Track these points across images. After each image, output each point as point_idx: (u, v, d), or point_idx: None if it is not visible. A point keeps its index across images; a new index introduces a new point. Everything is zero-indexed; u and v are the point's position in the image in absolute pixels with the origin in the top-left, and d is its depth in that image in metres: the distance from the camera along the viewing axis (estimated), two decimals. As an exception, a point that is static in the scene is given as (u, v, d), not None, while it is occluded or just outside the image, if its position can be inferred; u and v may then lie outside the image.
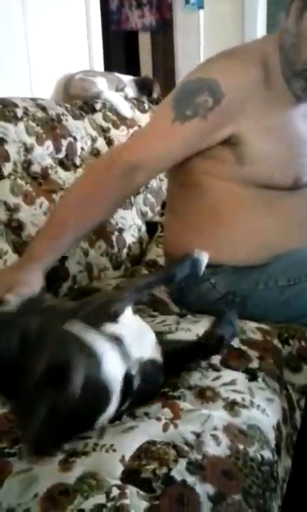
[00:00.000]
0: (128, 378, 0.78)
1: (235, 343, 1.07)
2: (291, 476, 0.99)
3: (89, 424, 0.77)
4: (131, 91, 2.19)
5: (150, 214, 1.90)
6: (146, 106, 2.21)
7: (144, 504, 0.67)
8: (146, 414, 0.84)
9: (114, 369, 0.76)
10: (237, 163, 1.19)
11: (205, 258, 1.10)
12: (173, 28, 3.23)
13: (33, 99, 1.63)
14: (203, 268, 1.10)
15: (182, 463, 0.73)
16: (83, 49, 2.19)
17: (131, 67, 3.46)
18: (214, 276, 1.28)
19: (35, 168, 1.49)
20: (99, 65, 2.28)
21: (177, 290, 1.34)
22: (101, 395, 0.75)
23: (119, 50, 3.81)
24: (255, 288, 1.25)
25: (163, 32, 3.37)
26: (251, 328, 1.16)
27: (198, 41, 3.09)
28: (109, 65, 2.41)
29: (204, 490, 0.70)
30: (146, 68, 3.51)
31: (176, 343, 1.01)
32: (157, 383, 0.89)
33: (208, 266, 1.27)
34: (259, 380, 0.98)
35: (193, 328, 1.14)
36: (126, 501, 0.67)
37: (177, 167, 1.23)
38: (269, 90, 1.16)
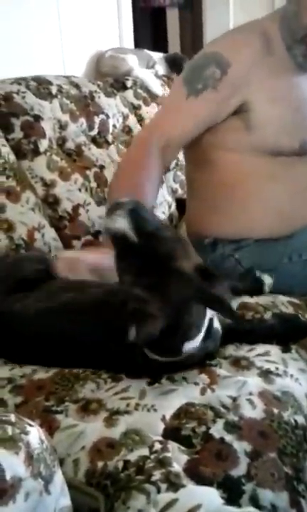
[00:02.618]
0: (210, 322, 0.87)
1: (268, 316, 1.10)
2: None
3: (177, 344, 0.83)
4: (161, 68, 2.19)
5: (180, 191, 1.91)
6: (176, 83, 2.22)
7: (185, 458, 0.71)
8: (184, 378, 0.88)
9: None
10: (246, 131, 1.23)
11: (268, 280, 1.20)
12: (201, 3, 3.19)
13: (67, 77, 1.65)
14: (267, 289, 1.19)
15: (220, 423, 0.77)
16: (113, 26, 2.19)
17: (159, 44, 3.43)
18: (238, 252, 1.31)
19: (70, 144, 1.51)
20: (129, 42, 2.28)
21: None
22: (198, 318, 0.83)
23: (146, 27, 3.78)
24: (279, 262, 1.27)
25: (191, 8, 3.33)
26: (283, 302, 1.19)
27: (228, 17, 3.04)
28: (137, 42, 2.40)
29: (241, 447, 0.74)
30: (174, 45, 3.48)
31: None
32: (217, 346, 0.95)
33: (231, 241, 1.32)
34: (292, 351, 1.01)
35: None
36: (168, 454, 0.71)
37: (188, 144, 1.29)
38: (271, 58, 1.21)
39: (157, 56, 2.20)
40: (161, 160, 1.22)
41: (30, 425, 0.57)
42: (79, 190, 1.44)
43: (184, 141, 1.27)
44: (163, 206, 1.76)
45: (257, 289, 1.21)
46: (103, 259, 1.03)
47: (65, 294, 0.96)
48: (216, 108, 1.22)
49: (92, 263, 1.04)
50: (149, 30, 3.83)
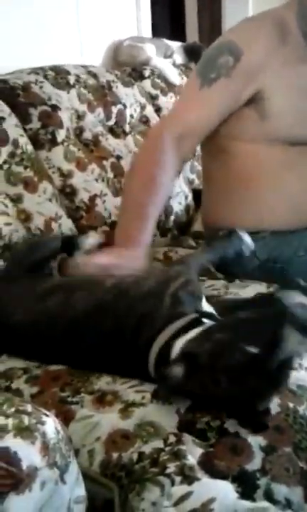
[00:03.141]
0: None
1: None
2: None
3: None
4: (179, 57, 2.17)
5: (196, 182, 1.90)
6: (194, 73, 2.20)
7: (200, 451, 0.71)
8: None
9: None
10: (260, 120, 1.21)
11: (247, 238, 1.13)
12: (220, -10, 3.15)
13: (84, 67, 1.64)
14: (249, 248, 1.13)
15: (235, 417, 0.77)
16: (131, 15, 2.17)
17: (177, 33, 3.40)
18: (254, 244, 1.30)
19: (87, 135, 1.51)
20: (147, 31, 2.26)
21: (219, 258, 1.36)
22: None
23: (165, 16, 3.75)
24: (295, 255, 1.26)
25: (210, -5, 3.29)
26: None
27: (247, 5, 3.00)
28: (155, 31, 2.38)
29: (256, 441, 0.73)
30: (192, 34, 3.44)
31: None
32: None
33: (247, 233, 1.30)
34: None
35: (242, 293, 1.16)
36: (183, 447, 0.71)
37: None
38: (287, 46, 1.19)
39: (175, 45, 2.18)
40: (176, 151, 1.19)
41: (46, 415, 0.58)
42: (96, 180, 1.43)
43: (201, 132, 1.25)
44: (179, 197, 1.75)
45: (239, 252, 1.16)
46: (117, 259, 1.03)
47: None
48: (231, 96, 1.20)
49: (104, 264, 1.02)
50: (167, 19, 3.80)
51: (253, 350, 0.69)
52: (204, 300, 0.90)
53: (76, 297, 0.92)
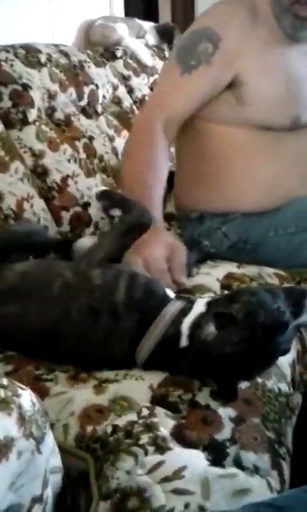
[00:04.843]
0: None
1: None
2: (301, 411, 1.05)
3: None
4: (151, 38, 2.16)
5: (170, 164, 1.90)
6: (167, 53, 2.18)
7: (172, 422, 0.74)
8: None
9: None
10: (238, 105, 1.24)
11: None
12: (193, -29, 3.11)
13: (56, 45, 1.62)
14: None
15: (206, 390, 0.80)
16: (103, -6, 2.15)
17: (150, 13, 3.36)
18: (225, 225, 1.33)
19: (59, 115, 1.50)
20: (119, 10, 2.23)
21: (191, 241, 1.38)
22: None
23: (137, -4, 3.69)
24: (265, 235, 1.29)
25: (183, -24, 3.24)
26: (269, 274, 1.21)
27: (219, -14, 2.98)
28: (127, 11, 2.35)
29: (226, 413, 0.76)
30: (165, 15, 3.40)
31: None
32: None
33: (218, 215, 1.33)
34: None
35: (213, 273, 1.19)
36: (156, 419, 0.73)
37: None
38: (261, 31, 1.21)
39: (148, 26, 2.17)
40: (165, 135, 1.22)
41: (22, 388, 0.59)
42: (68, 161, 1.42)
43: (183, 117, 1.27)
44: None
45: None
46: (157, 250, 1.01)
47: None
48: (211, 82, 1.22)
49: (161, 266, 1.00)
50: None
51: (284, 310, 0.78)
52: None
53: (32, 309, 0.87)
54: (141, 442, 0.69)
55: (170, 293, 0.90)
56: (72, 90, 1.55)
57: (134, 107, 1.84)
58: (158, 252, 1.01)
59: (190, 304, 0.85)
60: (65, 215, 1.36)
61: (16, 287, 0.90)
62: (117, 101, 1.78)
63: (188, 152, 1.37)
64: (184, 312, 0.83)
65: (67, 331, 0.84)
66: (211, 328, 0.77)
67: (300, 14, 1.19)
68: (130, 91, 1.86)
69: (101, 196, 1.05)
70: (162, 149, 1.21)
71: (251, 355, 0.76)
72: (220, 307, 0.80)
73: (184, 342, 0.80)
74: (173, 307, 0.84)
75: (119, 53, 1.91)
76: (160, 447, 0.69)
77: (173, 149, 1.71)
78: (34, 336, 0.87)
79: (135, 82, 1.91)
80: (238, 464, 0.69)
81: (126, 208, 0.97)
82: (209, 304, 0.83)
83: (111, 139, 1.64)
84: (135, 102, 1.87)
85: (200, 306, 0.83)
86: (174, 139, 1.30)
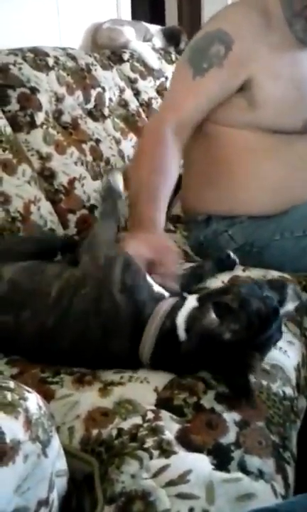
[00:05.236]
0: None
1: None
2: (305, 415, 1.05)
3: None
4: (158, 41, 2.17)
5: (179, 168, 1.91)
6: (173, 57, 2.19)
7: (177, 426, 0.74)
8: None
9: None
10: (249, 108, 1.23)
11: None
12: (200, -26, 3.12)
13: (63, 49, 1.63)
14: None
15: (211, 394, 0.80)
16: (111, -3, 2.16)
17: (156, 16, 3.37)
18: (232, 228, 1.33)
19: (66, 118, 1.51)
20: (126, 14, 2.24)
21: (197, 243, 1.39)
22: None
23: (144, -2, 3.71)
24: (271, 239, 1.29)
25: (190, -21, 3.26)
26: (274, 277, 1.21)
27: (226, -11, 2.99)
28: (134, 14, 2.36)
29: (231, 417, 0.76)
30: (172, 18, 3.42)
31: None
32: None
33: (225, 217, 1.33)
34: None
35: (219, 276, 1.19)
36: (161, 423, 0.73)
37: None
38: (273, 34, 1.21)
39: (154, 29, 2.18)
40: (176, 139, 1.20)
41: (29, 391, 0.59)
42: (75, 163, 1.43)
43: (195, 120, 1.26)
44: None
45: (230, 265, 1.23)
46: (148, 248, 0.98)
47: None
48: (223, 85, 1.22)
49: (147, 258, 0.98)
50: (147, 2, 3.76)
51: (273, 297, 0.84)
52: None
53: (24, 317, 0.88)
54: (145, 446, 0.70)
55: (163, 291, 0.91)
56: (79, 93, 1.56)
57: (141, 110, 1.85)
58: (142, 250, 0.97)
59: (183, 299, 0.87)
60: (72, 218, 1.37)
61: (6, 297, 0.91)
62: (124, 104, 1.78)
63: (196, 154, 1.36)
64: (177, 307, 0.85)
65: (66, 330, 0.85)
66: (212, 316, 0.79)
67: None
68: (137, 94, 1.87)
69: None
70: (171, 153, 1.19)
71: (250, 343, 0.79)
72: (213, 299, 0.82)
73: (182, 335, 0.81)
74: (166, 303, 0.85)
75: (125, 56, 1.91)
76: (165, 451, 0.69)
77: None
78: (32, 339, 0.88)
79: (141, 85, 1.92)
80: (243, 468, 0.70)
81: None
82: (200, 299, 0.86)
83: (118, 142, 1.65)
84: (141, 105, 1.88)
85: (192, 301, 0.86)
86: (186, 143, 1.26)
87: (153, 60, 2.00)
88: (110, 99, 1.70)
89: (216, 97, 1.23)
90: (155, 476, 0.66)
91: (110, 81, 1.72)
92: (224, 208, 1.34)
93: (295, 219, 1.28)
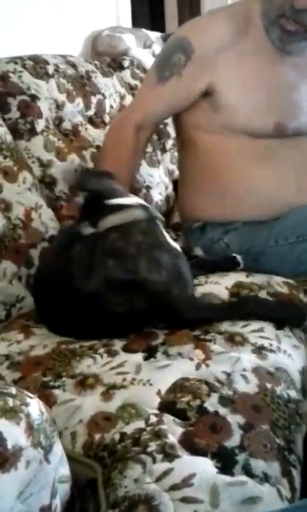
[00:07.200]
0: None
1: (263, 295, 1.12)
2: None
3: None
4: (158, 48, 2.16)
5: (177, 172, 1.91)
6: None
7: (180, 430, 0.73)
8: (179, 354, 0.89)
9: None
10: (213, 111, 1.28)
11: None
12: (199, -19, 3.14)
13: (63, 56, 1.64)
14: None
15: (215, 397, 0.79)
16: (111, 5, 2.17)
17: (156, 23, 3.39)
18: (227, 236, 1.34)
19: (66, 125, 1.51)
20: (126, 21, 2.26)
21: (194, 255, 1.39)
22: None
23: (144, 6, 3.72)
24: (266, 245, 1.29)
25: (190, -15, 3.28)
26: (278, 282, 1.20)
27: (225, -4, 3.00)
28: (134, 20, 2.38)
29: (235, 420, 0.76)
30: (172, 25, 3.43)
31: None
32: None
33: (220, 224, 1.33)
34: (286, 328, 1.03)
35: (222, 282, 1.18)
36: (164, 427, 0.73)
37: (175, 125, 1.41)
38: (247, 42, 1.25)
39: (154, 36, 2.18)
40: (135, 136, 1.32)
41: (30, 397, 0.59)
42: (76, 170, 1.44)
43: (157, 121, 1.38)
44: (159, 187, 1.76)
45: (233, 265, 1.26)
46: None
47: None
48: (183, 92, 1.29)
49: None
50: (147, 9, 3.78)
51: None
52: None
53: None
54: (149, 450, 0.69)
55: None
56: (79, 100, 1.56)
57: (141, 116, 1.86)
58: None
59: None
60: (73, 224, 1.37)
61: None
62: (124, 110, 1.78)
63: (187, 162, 1.41)
64: None
65: None
66: None
67: (286, 28, 1.21)
68: (137, 100, 1.87)
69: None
70: (130, 147, 1.31)
71: None
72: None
73: None
74: None
75: (126, 63, 1.92)
76: (169, 455, 0.69)
77: (149, 149, 1.74)
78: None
79: (142, 91, 1.92)
80: (247, 471, 0.69)
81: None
82: None
83: (119, 148, 1.65)
84: (142, 111, 1.88)
85: None
86: (148, 140, 1.40)
87: (153, 67, 2.01)
88: (110, 106, 1.71)
89: (177, 102, 1.31)
90: (158, 480, 0.65)
91: (110, 88, 1.73)
92: (218, 213, 1.35)
93: (287, 225, 1.28)
